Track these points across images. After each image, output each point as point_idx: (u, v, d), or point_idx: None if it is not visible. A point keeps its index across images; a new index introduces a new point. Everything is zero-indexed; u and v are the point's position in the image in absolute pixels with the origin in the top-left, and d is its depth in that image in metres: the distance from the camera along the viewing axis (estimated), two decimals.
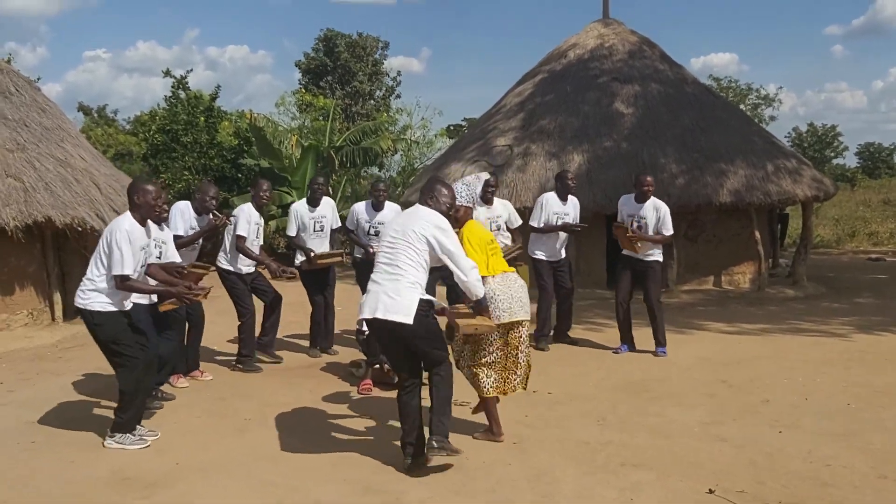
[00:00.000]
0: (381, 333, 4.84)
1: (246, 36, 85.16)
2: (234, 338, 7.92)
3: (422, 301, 4.71)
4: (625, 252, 8.02)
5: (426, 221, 4.84)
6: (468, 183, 5.58)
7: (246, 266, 7.48)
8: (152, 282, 5.67)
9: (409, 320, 4.62)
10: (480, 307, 4.98)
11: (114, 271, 5.12)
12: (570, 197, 8.33)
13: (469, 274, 4.82)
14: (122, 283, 5.15)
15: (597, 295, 11.97)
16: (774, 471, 4.66)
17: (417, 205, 5.05)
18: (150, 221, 5.57)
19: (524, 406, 6.11)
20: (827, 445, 5.08)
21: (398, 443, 4.98)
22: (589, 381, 6.90)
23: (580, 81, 14.37)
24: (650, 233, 7.80)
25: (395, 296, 4.68)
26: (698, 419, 5.70)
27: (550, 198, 8.29)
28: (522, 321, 5.30)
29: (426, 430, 4.89)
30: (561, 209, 8.24)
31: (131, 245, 5.17)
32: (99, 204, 10.22)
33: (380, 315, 4.66)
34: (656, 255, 7.92)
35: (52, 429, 5.70)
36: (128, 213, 5.34)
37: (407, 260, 4.76)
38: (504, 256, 7.93)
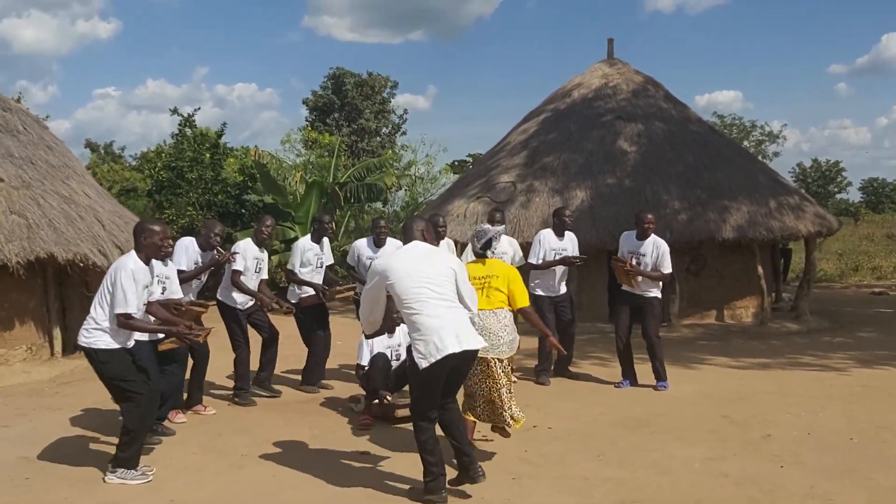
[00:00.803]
0: (457, 364, 4.79)
1: (254, 74, 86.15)
2: (232, 373, 7.88)
3: None
4: (624, 287, 8.02)
5: (445, 257, 5.19)
6: (479, 234, 5.78)
7: (243, 300, 7.49)
8: (153, 320, 5.67)
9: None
10: None
11: (116, 310, 5.14)
12: (567, 232, 8.34)
13: (473, 306, 5.15)
14: (124, 322, 5.17)
15: (598, 329, 11.91)
16: None
17: (418, 242, 5.11)
18: (153, 260, 5.60)
19: (523, 441, 6.05)
20: (828, 481, 5.02)
21: (398, 483, 4.92)
22: (589, 416, 6.84)
23: (584, 120, 14.48)
24: (648, 270, 7.80)
25: (467, 326, 4.88)
26: (699, 455, 5.64)
27: (547, 234, 8.31)
28: (501, 359, 5.49)
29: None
30: (558, 245, 8.25)
31: (135, 284, 5.19)
32: (102, 240, 10.24)
33: (468, 346, 4.77)
34: (655, 292, 7.93)
35: (46, 464, 5.65)
36: (132, 253, 5.39)
37: (453, 293, 4.94)
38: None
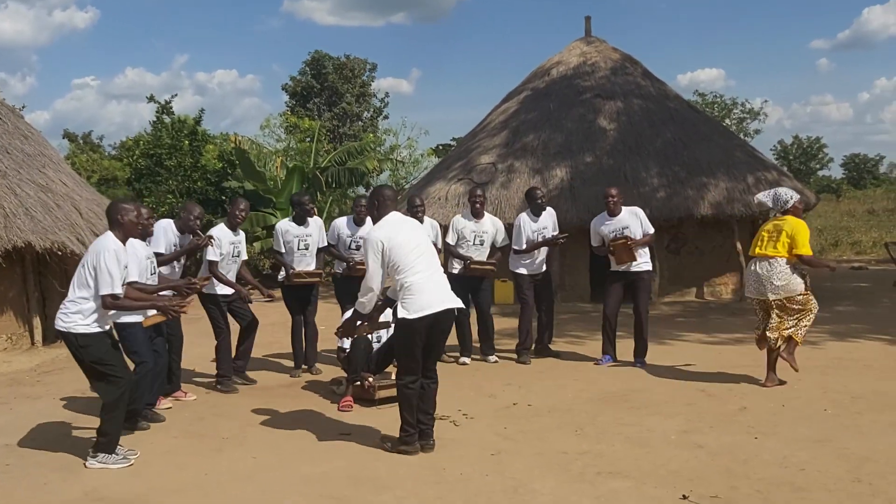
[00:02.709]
0: (437, 321, 5.29)
1: (235, 61, 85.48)
2: (213, 359, 7.89)
3: None
4: (613, 268, 8.01)
5: (419, 225, 5.73)
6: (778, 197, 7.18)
7: (222, 288, 7.46)
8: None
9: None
10: None
11: (102, 291, 5.11)
12: (545, 210, 8.37)
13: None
14: (111, 303, 5.15)
15: (579, 308, 12.01)
16: (749, 476, 4.67)
17: (400, 214, 5.61)
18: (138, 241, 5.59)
19: (503, 418, 6.11)
20: (803, 451, 5.10)
21: (379, 449, 4.96)
22: (568, 393, 6.90)
23: (563, 98, 14.51)
24: (639, 237, 7.86)
25: (447, 288, 5.44)
26: (676, 428, 5.72)
27: (525, 218, 8.34)
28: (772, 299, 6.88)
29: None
30: (538, 226, 8.29)
31: (118, 263, 5.17)
32: (80, 228, 10.20)
33: (448, 306, 5.33)
34: (646, 265, 7.96)
35: (27, 451, 5.65)
36: (109, 233, 5.32)
37: (435, 256, 5.57)
38: (473, 265, 8.04)
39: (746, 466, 4.85)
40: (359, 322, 5.69)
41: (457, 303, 5.42)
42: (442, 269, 5.60)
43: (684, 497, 4.36)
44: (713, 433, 5.55)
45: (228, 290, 7.49)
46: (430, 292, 5.26)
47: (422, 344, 5.29)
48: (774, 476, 4.67)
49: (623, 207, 8.00)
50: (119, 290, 5.19)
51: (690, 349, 8.80)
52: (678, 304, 12.22)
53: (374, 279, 5.34)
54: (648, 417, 6.01)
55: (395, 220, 5.44)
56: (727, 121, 40.43)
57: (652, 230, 8.02)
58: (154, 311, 5.76)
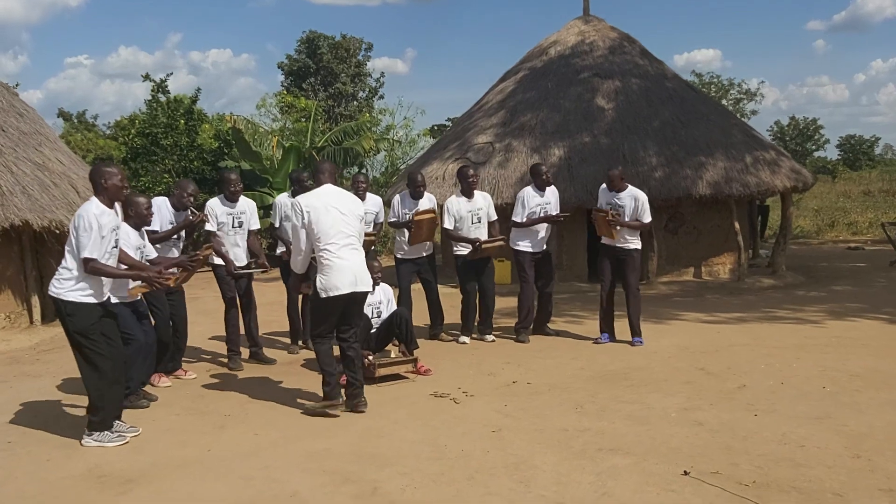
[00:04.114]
0: (349, 300, 5.74)
1: (229, 40, 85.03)
2: (215, 336, 7.91)
3: None
4: (603, 241, 8.05)
5: (352, 198, 5.92)
6: None
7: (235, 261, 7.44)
8: (123, 267, 5.58)
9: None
10: None
11: (83, 253, 5.04)
12: (548, 187, 8.37)
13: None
14: (91, 267, 5.06)
15: (577, 288, 12.03)
16: (749, 453, 4.70)
17: (330, 185, 5.88)
18: (117, 206, 5.51)
19: (504, 396, 6.14)
20: (802, 428, 5.13)
21: (381, 426, 4.97)
22: (568, 371, 6.93)
23: (561, 78, 14.44)
24: (628, 218, 7.86)
25: (363, 270, 5.78)
26: (676, 405, 5.74)
27: (529, 191, 8.34)
28: None
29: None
30: (541, 200, 8.28)
31: (101, 228, 5.09)
32: (77, 207, 10.08)
33: (359, 289, 5.74)
34: (635, 244, 7.96)
35: (28, 429, 5.66)
36: (94, 198, 5.24)
37: (359, 232, 5.83)
38: (485, 246, 8.03)
39: (746, 443, 4.88)
40: (303, 282, 6.10)
41: (367, 286, 5.82)
42: (361, 247, 5.85)
43: (685, 473, 4.39)
44: (713, 410, 5.59)
45: (241, 262, 7.46)
46: (342, 273, 5.62)
47: (335, 313, 5.76)
48: (774, 452, 4.70)
49: (630, 187, 8.00)
50: (97, 255, 5.07)
51: (689, 328, 8.83)
52: (676, 284, 12.25)
53: (300, 241, 5.77)
54: (648, 395, 6.04)
55: (324, 192, 5.80)
56: (724, 101, 40.36)
57: (647, 220, 7.92)
58: (139, 282, 5.73)
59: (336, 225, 5.67)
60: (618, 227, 7.81)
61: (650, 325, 8.22)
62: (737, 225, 12.60)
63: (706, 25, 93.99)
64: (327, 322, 5.82)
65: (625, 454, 4.75)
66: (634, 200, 7.90)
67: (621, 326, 8.14)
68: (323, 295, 5.65)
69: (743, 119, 21.54)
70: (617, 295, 8.16)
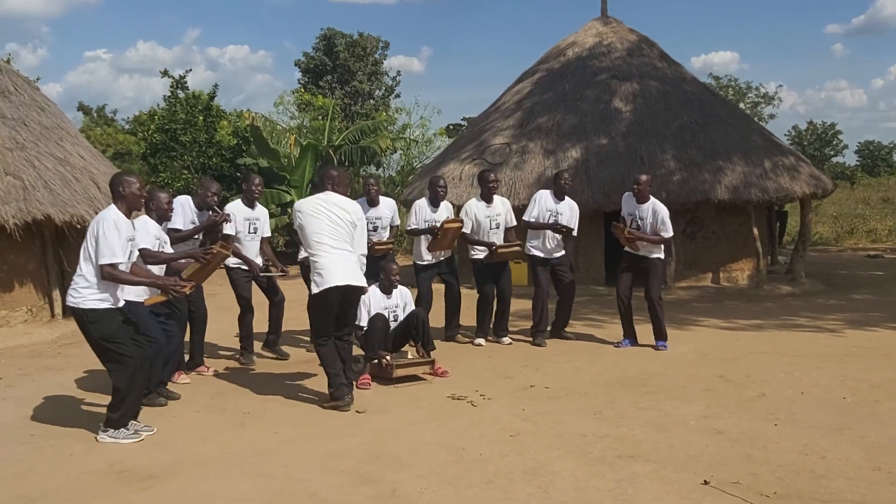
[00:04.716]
0: (343, 295, 5.95)
1: (246, 36, 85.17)
2: (233, 334, 7.98)
3: None
4: (626, 248, 8.03)
5: (347, 208, 6.03)
6: None
7: (238, 262, 7.48)
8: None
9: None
10: None
11: (101, 261, 5.05)
12: (567, 198, 8.33)
13: (361, 250, 6.17)
14: (109, 273, 5.08)
15: (594, 292, 12.01)
16: (769, 463, 4.68)
17: (329, 192, 6.06)
18: (148, 218, 5.57)
19: (521, 400, 6.14)
20: (822, 438, 5.10)
21: (398, 428, 4.99)
22: (586, 376, 6.92)
23: (578, 79, 14.42)
24: (647, 233, 7.83)
25: (353, 267, 5.98)
26: (695, 413, 5.73)
27: (545, 194, 8.32)
28: None
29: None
30: (554, 207, 8.25)
31: (119, 235, 5.10)
32: (98, 202, 10.23)
33: (350, 282, 5.93)
34: (657, 253, 7.94)
35: (50, 424, 5.72)
36: (112, 206, 5.27)
37: (348, 239, 5.98)
38: (500, 251, 8.02)
39: (766, 453, 4.86)
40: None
41: (359, 282, 6.01)
42: (355, 251, 6.03)
43: (705, 482, 4.38)
44: (732, 419, 5.56)
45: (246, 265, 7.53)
46: (333, 267, 5.87)
47: (331, 311, 5.96)
48: (795, 463, 4.68)
49: (651, 199, 7.94)
50: (119, 260, 5.09)
51: (707, 334, 8.80)
52: (694, 289, 12.20)
53: (302, 240, 6.14)
54: (667, 402, 6.02)
55: (320, 198, 6.03)
56: (741, 105, 40.14)
57: (668, 234, 7.86)
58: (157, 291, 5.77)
59: (325, 230, 5.92)
60: (637, 242, 7.79)
61: (668, 330, 8.17)
62: (755, 231, 12.54)
63: (724, 27, 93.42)
64: (327, 320, 6.01)
65: (644, 461, 4.74)
66: (654, 214, 7.84)
67: (641, 330, 8.13)
68: (315, 290, 5.90)
69: (760, 123, 21.42)
70: (637, 299, 8.15)
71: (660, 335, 7.99)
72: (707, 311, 10.44)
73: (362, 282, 6.07)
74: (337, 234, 5.94)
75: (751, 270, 12.75)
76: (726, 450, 4.93)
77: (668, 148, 12.86)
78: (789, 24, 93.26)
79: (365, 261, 6.21)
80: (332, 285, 5.85)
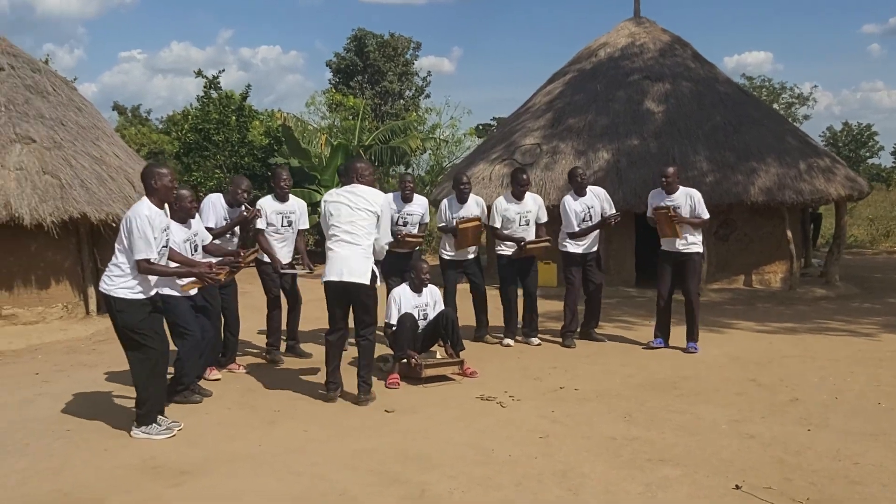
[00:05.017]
0: (343, 290, 6.05)
1: (278, 37, 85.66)
2: (262, 330, 8.03)
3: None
4: (663, 247, 7.96)
5: (370, 200, 6.07)
6: None
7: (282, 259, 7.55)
8: (173, 265, 5.69)
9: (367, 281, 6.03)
10: None
11: (136, 256, 5.15)
12: (588, 190, 8.29)
13: (385, 238, 6.22)
14: (145, 267, 5.18)
15: (624, 293, 11.94)
16: (802, 468, 4.62)
17: (355, 184, 6.13)
18: (172, 222, 5.63)
19: (550, 402, 6.12)
20: (856, 444, 5.03)
21: (426, 428, 5.00)
22: (616, 378, 6.88)
23: (610, 80, 14.34)
24: (687, 216, 7.77)
25: (354, 263, 5.98)
26: (727, 417, 5.67)
27: (568, 200, 8.26)
28: None
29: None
30: (582, 205, 8.21)
31: (152, 229, 5.19)
32: (133, 200, 10.25)
33: (346, 279, 5.97)
34: (696, 247, 7.87)
35: (84, 419, 5.81)
36: (145, 199, 5.35)
37: (364, 231, 6.02)
38: (529, 247, 7.99)
39: (800, 458, 4.80)
40: None
41: (356, 278, 5.96)
42: (364, 244, 6.03)
43: (737, 487, 4.34)
44: (765, 423, 5.50)
45: (285, 260, 7.58)
46: (332, 263, 6.02)
47: (336, 304, 6.12)
48: (828, 469, 4.62)
49: (680, 187, 7.91)
50: (153, 255, 5.19)
51: (739, 337, 8.70)
52: (726, 292, 12.07)
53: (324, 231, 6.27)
54: (698, 405, 5.97)
55: (347, 189, 6.16)
56: (775, 105, 39.64)
57: (706, 215, 7.88)
58: (191, 279, 5.82)
59: (342, 222, 6.04)
60: (680, 225, 7.72)
61: (700, 333, 8.10)
62: (789, 233, 12.38)
63: (758, 27, 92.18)
64: (330, 313, 6.19)
65: (675, 465, 4.71)
66: (690, 198, 7.82)
67: (672, 332, 8.07)
68: (323, 279, 6.10)
69: (795, 124, 21.17)
70: (672, 302, 8.09)
71: (692, 336, 7.91)
72: (739, 313, 10.33)
73: (362, 279, 6.00)
74: (354, 226, 6.01)
75: (784, 273, 12.58)
76: (758, 454, 4.88)
77: (701, 149, 12.74)
78: (824, 23, 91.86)
79: (385, 248, 6.24)
80: (328, 279, 6.03)
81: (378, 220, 6.08)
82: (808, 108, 44.59)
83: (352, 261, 5.99)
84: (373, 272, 6.07)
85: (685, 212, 7.78)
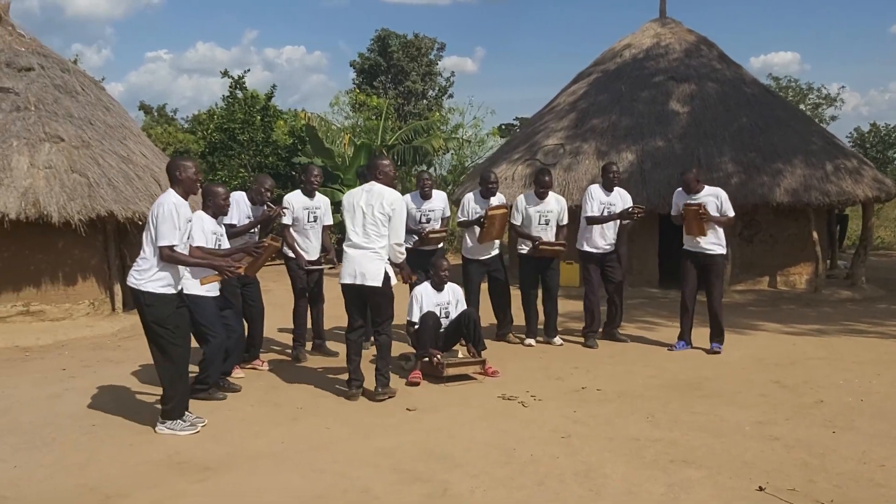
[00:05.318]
0: (356, 292, 6.19)
1: (303, 37, 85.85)
2: (285, 328, 8.09)
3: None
4: (686, 247, 7.91)
5: (385, 199, 6.11)
6: None
7: (305, 255, 7.60)
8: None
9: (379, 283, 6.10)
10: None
11: (160, 242, 5.18)
12: (616, 189, 8.27)
13: (398, 239, 6.20)
14: (168, 255, 5.21)
15: (648, 294, 11.88)
16: (827, 471, 4.58)
17: (373, 183, 6.21)
18: (205, 214, 5.68)
19: (572, 402, 6.11)
20: (882, 447, 4.98)
21: (449, 427, 5.01)
22: (638, 379, 6.85)
23: (635, 81, 14.28)
24: (714, 214, 7.75)
25: (366, 266, 6.07)
26: (750, 418, 5.63)
27: (595, 189, 8.28)
28: None
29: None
30: (606, 199, 8.20)
31: (177, 217, 5.24)
32: None
33: (358, 282, 6.12)
34: (720, 248, 7.83)
35: (110, 414, 5.88)
36: (170, 190, 5.41)
37: (377, 231, 6.10)
38: (542, 247, 7.98)
39: (824, 460, 4.76)
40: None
41: (367, 281, 6.06)
42: (375, 246, 6.09)
43: (761, 489, 4.31)
44: (789, 425, 5.46)
45: (312, 257, 7.63)
46: (346, 265, 6.16)
47: (353, 304, 6.27)
48: (853, 471, 4.58)
49: (706, 186, 7.90)
50: (176, 242, 5.22)
51: (763, 339, 8.63)
52: (750, 293, 11.98)
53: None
54: (721, 407, 5.93)
55: (363, 189, 6.24)
56: (801, 106, 39.23)
57: (732, 213, 7.86)
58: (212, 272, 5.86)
59: (356, 223, 6.14)
60: (707, 223, 7.67)
61: (725, 333, 8.04)
62: (815, 234, 12.26)
63: (785, 28, 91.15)
64: (348, 311, 6.34)
65: (697, 467, 4.68)
66: (716, 197, 7.81)
67: (696, 334, 8.02)
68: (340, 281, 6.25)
69: (822, 125, 20.94)
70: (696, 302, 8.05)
71: (717, 336, 7.87)
72: (763, 315, 10.24)
73: (374, 281, 6.07)
74: (366, 227, 6.10)
75: (809, 275, 12.46)
76: (782, 456, 4.84)
77: (727, 150, 12.65)
78: (852, 24, 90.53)
79: (402, 249, 6.26)
80: (343, 281, 6.19)
81: (390, 220, 6.12)
82: (835, 109, 43.99)
83: (364, 263, 6.08)
84: (386, 273, 6.12)
85: (712, 210, 7.74)
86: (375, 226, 6.09)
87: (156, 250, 5.24)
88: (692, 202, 7.75)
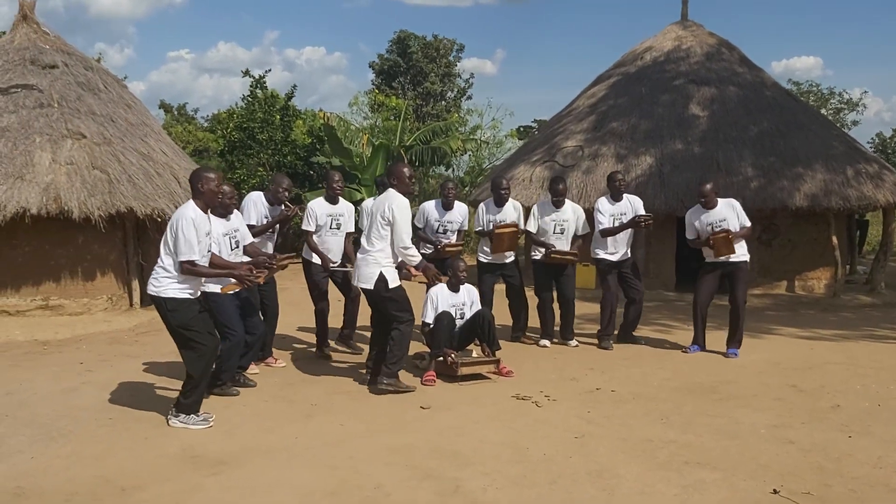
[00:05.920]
0: (367, 295, 6.47)
1: (323, 38, 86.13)
2: (302, 326, 8.13)
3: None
4: (709, 260, 7.86)
5: (388, 206, 6.21)
6: None
7: (317, 257, 7.63)
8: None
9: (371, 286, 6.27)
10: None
11: (181, 257, 5.27)
12: (624, 197, 8.23)
13: (401, 243, 6.25)
14: (189, 269, 5.30)
15: (664, 297, 11.83)
16: (842, 475, 4.55)
17: (389, 190, 6.32)
18: (212, 215, 5.73)
19: (587, 403, 6.09)
20: None
21: (461, 426, 5.01)
22: (653, 381, 6.82)
23: (655, 84, 14.21)
24: (736, 230, 7.71)
25: (364, 269, 6.27)
26: (766, 422, 5.59)
27: (602, 202, 8.22)
28: None
29: None
30: (616, 210, 8.15)
31: (196, 232, 5.30)
32: (178, 196, 10.56)
33: (358, 283, 6.42)
34: (744, 256, 7.79)
35: (127, 407, 5.94)
36: (191, 202, 5.46)
37: (379, 236, 6.24)
38: (553, 254, 7.96)
39: (840, 464, 4.72)
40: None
41: (359, 283, 6.34)
42: (372, 250, 6.25)
43: (775, 492, 4.28)
44: (804, 429, 5.42)
45: (334, 260, 7.66)
46: (357, 268, 6.41)
47: (369, 303, 6.54)
48: (869, 476, 4.54)
49: (719, 199, 7.82)
50: (196, 257, 5.30)
51: (780, 343, 8.57)
52: (768, 297, 11.90)
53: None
54: (736, 410, 5.90)
55: (378, 198, 6.54)
56: (823, 111, 38.92)
57: (749, 223, 7.83)
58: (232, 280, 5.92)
59: (366, 227, 6.43)
60: (735, 239, 7.65)
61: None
62: (834, 239, 12.16)
63: (807, 32, 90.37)
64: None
65: (712, 469, 4.66)
66: (733, 209, 7.78)
67: (711, 337, 7.99)
68: None
69: (843, 130, 20.76)
70: (713, 307, 8.03)
71: (735, 342, 7.82)
72: (781, 319, 10.17)
73: (366, 284, 6.28)
74: (368, 232, 6.34)
75: (828, 279, 12.36)
76: (797, 460, 4.81)
77: (747, 154, 12.57)
78: (876, 28, 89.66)
79: (412, 252, 6.31)
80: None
81: (391, 225, 6.22)
82: (857, 114, 43.70)
83: (360, 266, 6.33)
84: (382, 276, 6.20)
85: (733, 222, 7.69)
86: (377, 230, 6.24)
87: (174, 260, 5.33)
88: (718, 231, 7.66)
